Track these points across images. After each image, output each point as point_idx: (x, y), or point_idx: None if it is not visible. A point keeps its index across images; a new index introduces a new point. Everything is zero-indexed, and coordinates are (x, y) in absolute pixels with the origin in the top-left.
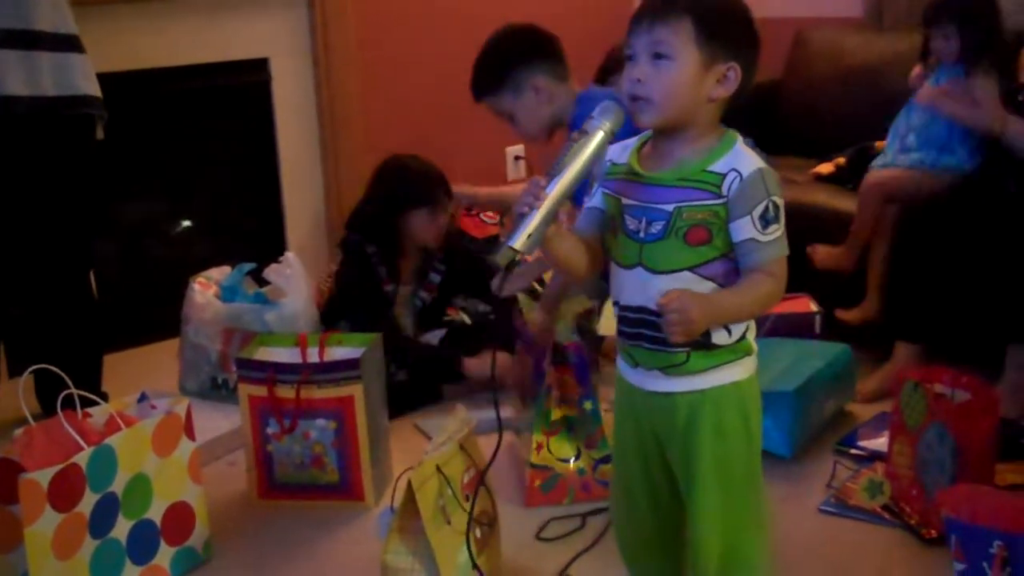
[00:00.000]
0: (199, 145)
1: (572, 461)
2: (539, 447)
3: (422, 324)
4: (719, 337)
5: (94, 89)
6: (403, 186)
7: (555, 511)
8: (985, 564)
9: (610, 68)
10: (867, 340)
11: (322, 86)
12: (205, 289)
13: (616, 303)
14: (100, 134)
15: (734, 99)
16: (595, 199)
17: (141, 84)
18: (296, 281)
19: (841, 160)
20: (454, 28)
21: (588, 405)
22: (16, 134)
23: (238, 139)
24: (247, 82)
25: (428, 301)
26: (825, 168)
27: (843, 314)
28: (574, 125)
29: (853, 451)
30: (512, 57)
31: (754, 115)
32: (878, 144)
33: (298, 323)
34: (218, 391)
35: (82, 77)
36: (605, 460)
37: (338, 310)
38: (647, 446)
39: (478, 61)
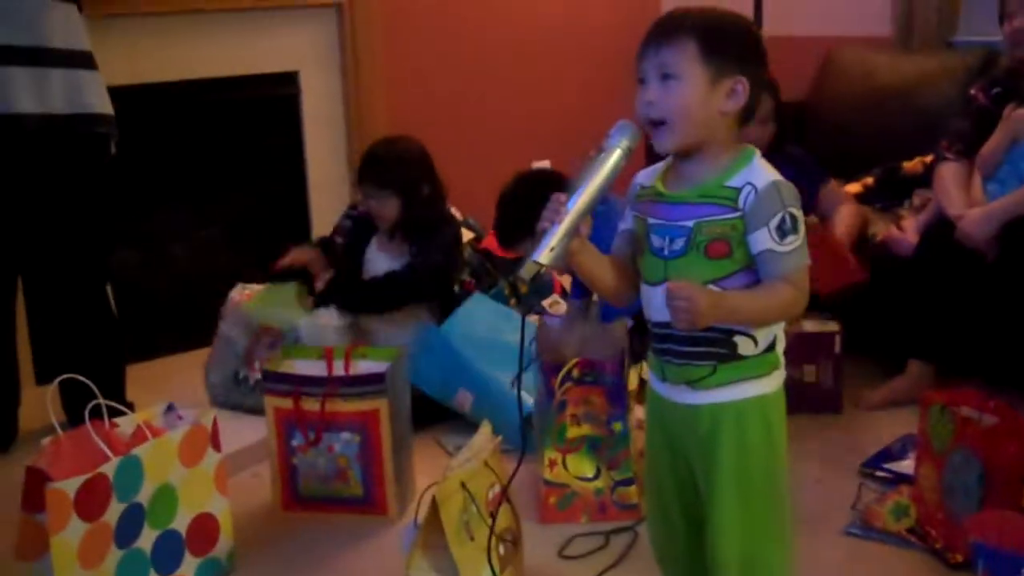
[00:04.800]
0: (228, 157)
1: (591, 480)
2: (552, 464)
3: None
4: (745, 347)
5: (105, 107)
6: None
7: (579, 528)
8: None
9: None
10: (884, 353)
11: (350, 99)
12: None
13: (648, 320)
14: (112, 150)
15: (746, 113)
16: (627, 221)
17: (172, 96)
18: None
19: (869, 180)
20: (482, 42)
21: (618, 426)
22: (27, 151)
23: (267, 151)
24: (277, 95)
25: None
26: (853, 188)
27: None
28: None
29: (879, 473)
30: None
31: (783, 134)
32: (906, 164)
33: (328, 335)
34: (238, 387)
35: (93, 95)
36: (626, 482)
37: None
38: (677, 457)
39: (512, 215)
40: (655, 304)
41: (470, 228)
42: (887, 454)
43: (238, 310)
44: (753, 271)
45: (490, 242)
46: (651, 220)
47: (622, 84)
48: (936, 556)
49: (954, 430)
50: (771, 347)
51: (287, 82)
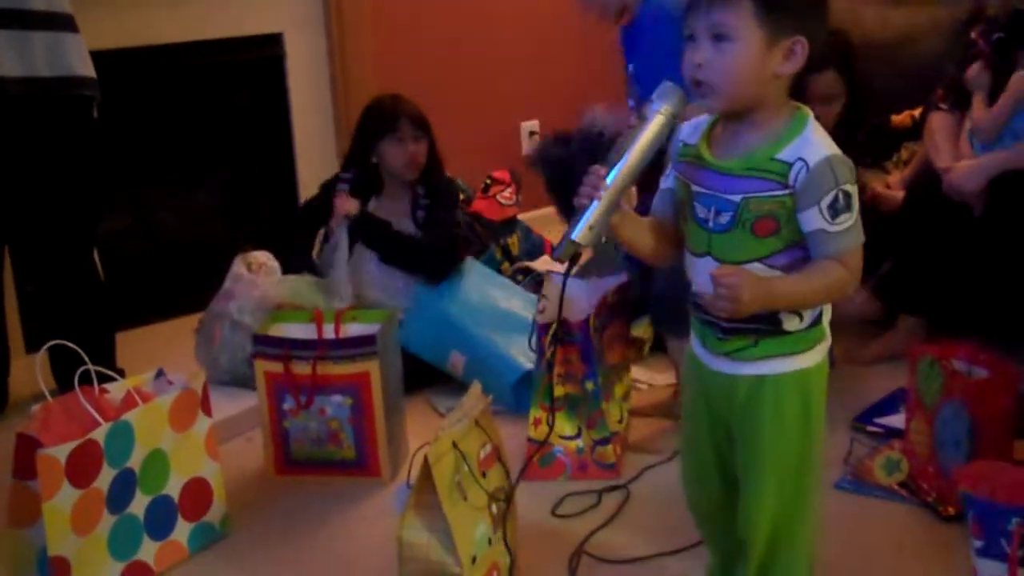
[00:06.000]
0: (213, 121)
1: (572, 439)
2: (536, 422)
3: None
4: (790, 323)
5: (88, 70)
6: (367, 119)
7: (571, 487)
8: (1003, 541)
9: None
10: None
11: (336, 61)
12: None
13: (692, 285)
14: (95, 114)
15: (803, 72)
16: (668, 180)
17: (155, 59)
18: (340, 253)
19: (858, 135)
20: (469, 3)
21: (590, 385)
22: (10, 115)
23: (252, 115)
24: (261, 57)
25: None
26: None
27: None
28: (643, 12)
29: (870, 428)
30: None
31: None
32: (895, 118)
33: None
34: (251, 368)
35: (76, 57)
36: (603, 442)
37: None
38: (716, 420)
39: None
40: (699, 275)
41: (459, 190)
42: (878, 409)
43: (250, 292)
44: (802, 247)
45: (480, 205)
46: (695, 187)
47: (616, 45)
48: (928, 509)
49: (944, 383)
50: (817, 321)
51: (272, 44)
